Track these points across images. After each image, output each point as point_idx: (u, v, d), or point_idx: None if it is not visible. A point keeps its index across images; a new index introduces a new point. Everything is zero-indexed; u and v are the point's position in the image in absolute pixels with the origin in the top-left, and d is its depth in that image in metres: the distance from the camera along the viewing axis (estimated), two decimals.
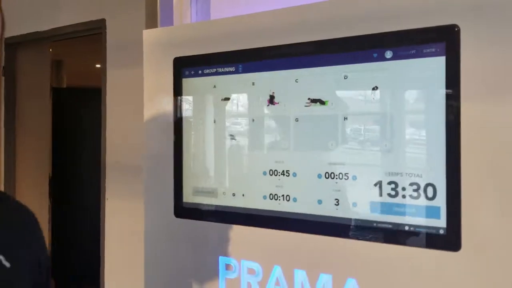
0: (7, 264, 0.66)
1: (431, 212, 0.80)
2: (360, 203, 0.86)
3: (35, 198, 3.11)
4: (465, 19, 0.77)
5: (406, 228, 0.82)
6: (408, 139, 0.82)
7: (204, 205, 1.05)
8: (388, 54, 0.83)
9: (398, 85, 0.83)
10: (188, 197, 1.07)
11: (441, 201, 0.79)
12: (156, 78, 1.11)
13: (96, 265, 2.89)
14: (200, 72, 1.05)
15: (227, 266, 1.01)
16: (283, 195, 0.94)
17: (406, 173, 0.82)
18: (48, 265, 0.74)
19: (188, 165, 1.07)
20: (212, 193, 1.04)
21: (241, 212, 1.00)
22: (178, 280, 1.08)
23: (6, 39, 2.49)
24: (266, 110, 0.97)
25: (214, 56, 1.02)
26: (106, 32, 2.83)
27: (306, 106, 0.91)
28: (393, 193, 0.83)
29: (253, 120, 0.99)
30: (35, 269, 0.71)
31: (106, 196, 2.85)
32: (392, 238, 0.83)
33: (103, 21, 2.84)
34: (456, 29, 0.77)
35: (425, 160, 0.81)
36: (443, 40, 0.78)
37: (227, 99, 1.02)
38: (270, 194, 0.96)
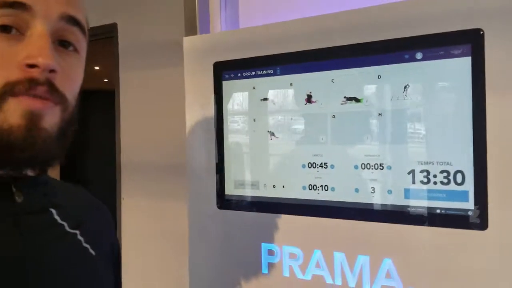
0: (93, 252, 0.69)
1: (460, 196, 0.89)
2: (395, 190, 0.96)
3: None
4: (489, 23, 0.86)
5: (438, 211, 0.92)
6: (438, 131, 0.91)
7: (245, 196, 1.14)
8: (419, 55, 0.93)
9: (427, 83, 0.92)
10: (230, 190, 1.16)
11: (469, 186, 0.89)
12: (197, 81, 1.20)
13: None
14: (239, 75, 1.14)
15: (269, 252, 1.10)
16: (321, 186, 1.04)
17: (437, 162, 0.91)
18: (120, 253, 0.78)
19: (229, 161, 1.16)
20: (253, 185, 1.13)
21: (281, 202, 1.09)
22: (222, 265, 1.17)
23: None
24: (304, 108, 1.06)
25: (253, 60, 1.11)
26: (118, 36, 2.93)
27: (342, 104, 1.01)
28: (425, 180, 0.93)
29: (291, 118, 1.08)
30: (112, 257, 0.74)
31: (122, 195, 2.94)
32: (424, 221, 0.93)
33: (114, 25, 2.94)
34: (481, 32, 0.86)
35: (454, 150, 0.90)
36: (469, 42, 0.88)
37: (266, 99, 1.11)
38: (309, 185, 1.05)
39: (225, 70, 1.16)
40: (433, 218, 0.92)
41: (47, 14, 0.55)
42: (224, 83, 1.16)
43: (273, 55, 1.09)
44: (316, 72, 1.04)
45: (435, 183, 0.92)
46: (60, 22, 0.56)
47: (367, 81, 0.98)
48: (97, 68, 4.59)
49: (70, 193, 0.71)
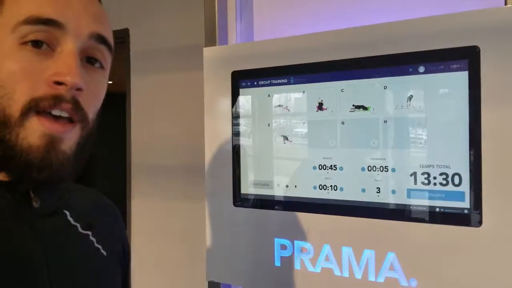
0: (105, 253, 0.69)
1: (457, 196, 0.99)
2: (398, 191, 1.06)
3: None
4: (484, 41, 0.96)
5: (437, 209, 1.01)
6: (438, 138, 1.01)
7: (260, 195, 1.24)
8: (421, 68, 1.02)
9: (429, 94, 1.02)
10: (246, 189, 1.26)
11: (465, 187, 0.98)
12: (215, 88, 1.30)
13: None
14: (255, 83, 1.24)
15: (282, 246, 1.20)
16: (331, 186, 1.14)
17: (437, 165, 1.01)
18: (129, 253, 0.78)
19: (245, 162, 1.26)
20: (267, 185, 1.23)
21: (293, 201, 1.19)
22: (237, 259, 1.26)
23: None
24: (315, 115, 1.16)
25: (269, 70, 1.21)
26: (129, 41, 3.02)
27: (351, 111, 1.10)
28: (426, 181, 1.02)
29: (303, 123, 1.18)
30: (122, 257, 0.75)
31: (132, 195, 3.02)
32: (425, 218, 1.02)
33: (126, 30, 3.04)
34: (477, 49, 0.96)
35: (452, 154, 1.00)
36: (466, 58, 0.98)
37: (280, 106, 1.21)
38: (320, 185, 1.15)
39: (242, 79, 1.25)
40: (433, 216, 1.02)
41: (78, 33, 0.56)
42: (241, 90, 1.26)
43: (288, 65, 1.19)
44: (327, 82, 1.14)
45: (435, 184, 1.01)
46: (89, 41, 0.57)
47: (374, 91, 1.08)
48: None
49: (83, 194, 0.73)
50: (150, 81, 3.06)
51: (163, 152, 2.93)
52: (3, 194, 0.56)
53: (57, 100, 0.53)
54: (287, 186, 1.20)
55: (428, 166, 1.02)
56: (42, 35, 0.54)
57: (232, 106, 1.27)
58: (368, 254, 1.09)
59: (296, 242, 1.18)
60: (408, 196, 1.04)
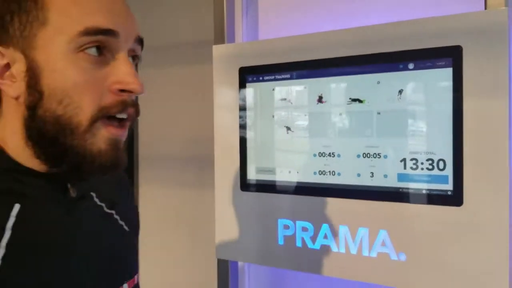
0: (127, 229, 0.75)
1: (442, 179, 1.12)
2: (390, 175, 1.18)
3: None
4: (466, 41, 1.08)
5: (424, 191, 1.14)
6: (426, 127, 1.13)
7: (264, 180, 1.36)
8: (411, 65, 1.15)
9: (418, 88, 1.14)
10: (252, 175, 1.38)
11: (449, 171, 1.11)
12: (224, 82, 1.42)
13: None
14: (261, 78, 1.36)
15: (285, 226, 1.32)
16: (329, 171, 1.26)
17: (424, 152, 1.13)
18: (138, 218, 0.84)
19: (251, 150, 1.38)
20: (271, 171, 1.35)
21: (295, 185, 1.31)
22: (244, 238, 1.39)
23: None
24: (316, 107, 1.28)
25: (273, 66, 1.33)
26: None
27: (348, 104, 1.23)
28: (414, 166, 1.15)
29: (305, 115, 1.30)
30: (137, 227, 0.81)
31: (140, 185, 3.13)
32: (413, 199, 1.15)
33: None
34: (460, 49, 1.08)
35: (437, 142, 1.12)
36: (451, 56, 1.10)
37: (284, 99, 1.33)
38: (319, 170, 1.27)
39: (249, 74, 1.37)
40: (420, 197, 1.14)
41: (128, 39, 0.60)
42: (248, 85, 1.38)
43: (290, 62, 1.30)
44: (326, 77, 1.26)
45: (422, 169, 1.14)
46: (134, 44, 0.61)
47: (369, 86, 1.20)
48: None
49: None
50: (157, 74, 3.16)
51: (170, 142, 3.04)
52: (43, 184, 0.60)
53: (124, 106, 0.58)
54: (289, 172, 1.32)
55: (416, 153, 1.14)
56: (98, 44, 0.57)
57: (239, 99, 1.39)
58: (362, 231, 1.21)
59: (297, 222, 1.30)
60: (399, 180, 1.17)
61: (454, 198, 1.10)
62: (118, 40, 0.58)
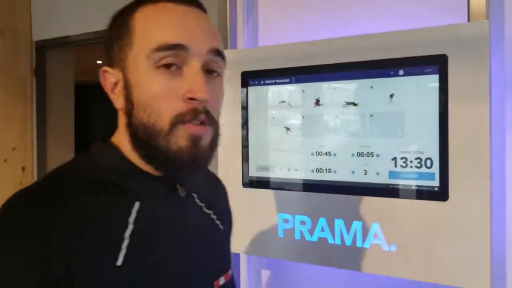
0: (222, 228, 0.84)
1: (429, 176, 1.22)
2: (382, 172, 1.28)
3: None
4: (451, 50, 1.18)
5: (413, 187, 1.24)
6: (414, 129, 1.24)
7: (265, 177, 1.46)
8: (401, 72, 1.25)
9: (407, 93, 1.24)
10: (253, 172, 1.48)
11: (435, 169, 1.21)
12: (227, 86, 1.51)
13: None
14: (262, 82, 1.45)
15: (284, 220, 1.42)
16: (326, 169, 1.36)
17: (413, 151, 1.24)
18: (231, 220, 0.94)
19: (252, 149, 1.48)
20: (271, 169, 1.45)
21: (294, 182, 1.41)
22: (246, 231, 1.48)
23: (36, 42, 2.67)
24: (313, 109, 1.37)
25: (274, 71, 1.43)
26: None
27: (343, 107, 1.33)
28: (404, 164, 1.25)
29: (303, 116, 1.39)
30: (229, 226, 0.91)
31: None
32: (403, 195, 1.25)
33: None
34: (446, 57, 1.19)
35: (425, 143, 1.22)
36: (437, 64, 1.20)
37: (283, 101, 1.42)
38: (317, 168, 1.37)
39: (250, 78, 1.47)
40: (409, 193, 1.24)
41: (200, 52, 0.65)
42: (250, 88, 1.47)
43: (290, 67, 1.40)
44: (323, 82, 1.35)
45: (411, 167, 1.24)
46: (208, 56, 0.67)
47: (362, 90, 1.30)
48: (99, 62, 4.81)
49: (203, 177, 0.86)
50: None
51: None
52: (157, 185, 0.70)
53: (196, 113, 0.65)
54: (288, 169, 1.42)
55: (406, 152, 1.25)
56: (172, 59, 0.65)
57: (242, 101, 1.49)
58: (356, 225, 1.31)
59: (296, 216, 1.40)
60: (390, 177, 1.27)
61: (440, 193, 1.20)
62: (189, 53, 0.65)
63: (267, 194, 1.45)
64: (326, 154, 1.36)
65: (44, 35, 2.62)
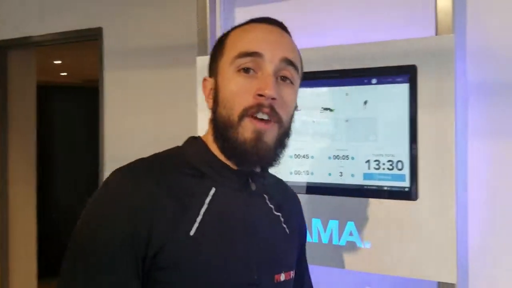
0: (288, 231, 0.90)
1: (400, 177, 1.31)
2: (356, 174, 1.36)
3: (24, 193, 3.31)
4: (420, 61, 1.28)
5: (385, 188, 1.33)
6: (386, 133, 1.33)
7: None
8: (374, 80, 1.33)
9: (380, 100, 1.33)
10: None
11: (406, 171, 1.30)
12: None
13: None
14: None
15: None
16: (304, 171, 1.43)
17: (385, 154, 1.33)
18: (306, 231, 1.02)
19: None
20: None
21: None
22: None
23: None
24: (291, 123, 1.44)
25: None
26: (103, 39, 3.18)
27: (320, 112, 1.40)
28: (377, 167, 1.34)
29: None
30: (299, 235, 0.96)
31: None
32: (376, 195, 1.34)
33: (99, 29, 3.19)
34: (415, 67, 1.28)
35: (396, 146, 1.31)
36: (407, 73, 1.29)
37: None
38: (295, 170, 1.44)
39: None
40: (382, 193, 1.33)
41: (273, 59, 0.77)
42: None
43: None
44: (301, 88, 1.42)
45: (383, 169, 1.33)
46: (281, 64, 0.78)
47: (338, 97, 1.38)
48: (58, 62, 4.73)
49: (275, 184, 0.96)
50: (123, 78, 3.23)
51: (136, 144, 3.13)
52: (233, 177, 0.81)
53: (259, 107, 0.76)
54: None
55: (379, 155, 1.34)
56: (249, 64, 0.77)
57: None
58: (333, 223, 1.39)
59: None
60: (364, 178, 1.36)
61: (411, 193, 1.30)
62: (263, 60, 0.78)
63: None
64: (304, 157, 1.43)
65: (4, 35, 2.59)
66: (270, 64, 0.78)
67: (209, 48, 1.59)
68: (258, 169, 0.84)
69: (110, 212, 0.73)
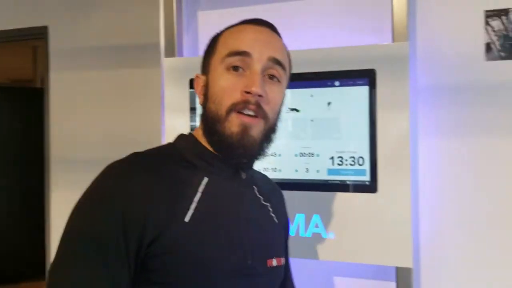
0: (276, 221, 0.95)
1: (361, 172, 1.43)
2: (321, 170, 1.47)
3: None
4: (379, 65, 1.40)
5: (347, 182, 1.44)
6: (348, 132, 1.44)
7: None
8: (337, 83, 1.44)
9: (342, 101, 1.44)
10: None
11: (366, 166, 1.42)
12: (175, 93, 1.60)
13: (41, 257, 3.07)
14: None
15: None
16: (272, 168, 1.51)
17: (348, 151, 1.44)
18: (289, 226, 1.06)
19: None
20: None
21: None
22: None
23: None
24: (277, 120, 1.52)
25: None
26: (48, 38, 3.11)
27: (287, 112, 1.49)
28: (340, 163, 1.45)
29: None
30: (285, 227, 1.02)
31: (52, 189, 3.11)
32: (340, 189, 1.45)
33: (45, 28, 3.12)
34: (374, 71, 1.40)
35: (358, 144, 1.43)
36: (367, 77, 1.41)
37: None
38: (264, 167, 1.52)
39: None
40: (345, 187, 1.44)
41: (260, 58, 0.81)
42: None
43: None
44: None
45: (346, 164, 1.44)
46: (269, 63, 0.82)
47: (304, 98, 1.47)
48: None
49: (261, 177, 1.01)
50: (70, 78, 3.15)
51: (84, 146, 3.06)
52: (223, 167, 0.85)
53: (246, 103, 0.80)
54: None
55: (342, 152, 1.45)
56: (238, 63, 0.82)
57: (189, 109, 1.58)
58: (299, 217, 1.48)
59: None
60: (328, 174, 1.46)
61: (371, 186, 1.42)
62: (252, 59, 0.82)
63: None
64: (272, 155, 1.51)
65: None
66: (258, 63, 0.82)
67: (176, 50, 1.63)
68: (244, 160, 0.87)
69: (104, 204, 0.75)
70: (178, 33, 1.64)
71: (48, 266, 3.10)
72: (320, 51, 1.47)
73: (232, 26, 0.89)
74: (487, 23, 1.43)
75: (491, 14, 1.43)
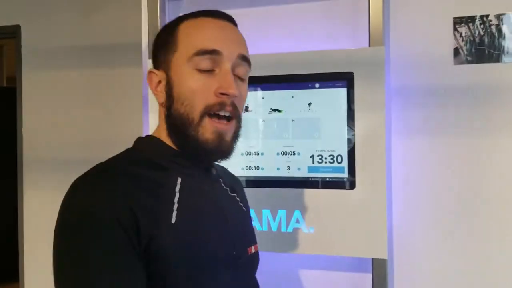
0: (244, 209, 1.00)
1: (340, 170, 1.51)
2: (302, 168, 1.53)
3: None
4: (356, 68, 1.48)
5: (327, 179, 1.52)
6: (328, 132, 1.51)
7: None
8: (317, 85, 1.52)
9: (322, 102, 1.52)
10: None
11: (345, 164, 1.50)
12: None
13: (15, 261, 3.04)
14: None
15: None
16: (254, 166, 1.57)
17: (327, 149, 1.51)
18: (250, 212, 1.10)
19: None
20: None
21: None
22: None
23: None
24: (243, 115, 1.57)
25: None
26: (21, 37, 3.08)
27: (269, 113, 1.55)
28: (320, 161, 1.52)
29: None
30: (250, 215, 1.08)
31: (24, 189, 3.08)
32: (319, 186, 1.52)
33: (17, 27, 3.09)
34: (352, 74, 1.48)
35: (337, 143, 1.51)
36: (346, 79, 1.49)
37: None
38: (246, 166, 1.58)
39: None
40: (324, 184, 1.52)
41: (230, 56, 0.80)
42: None
43: None
44: (252, 91, 1.56)
45: (325, 162, 1.52)
46: (237, 60, 0.82)
47: (285, 99, 1.54)
48: None
49: (222, 170, 1.04)
50: (44, 77, 3.13)
51: (58, 145, 3.05)
52: (193, 166, 0.86)
53: (222, 105, 0.80)
54: None
55: (321, 150, 1.52)
56: (208, 62, 0.79)
57: None
58: (281, 213, 1.55)
59: None
60: (309, 171, 1.53)
61: (349, 183, 1.50)
62: (222, 57, 0.80)
63: None
64: (254, 153, 1.57)
65: None
66: (228, 61, 0.80)
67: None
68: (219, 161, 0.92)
69: (97, 228, 0.71)
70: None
71: (21, 269, 3.07)
72: (301, 54, 1.54)
73: (188, 18, 0.85)
74: (455, 29, 1.53)
75: (459, 21, 1.53)
